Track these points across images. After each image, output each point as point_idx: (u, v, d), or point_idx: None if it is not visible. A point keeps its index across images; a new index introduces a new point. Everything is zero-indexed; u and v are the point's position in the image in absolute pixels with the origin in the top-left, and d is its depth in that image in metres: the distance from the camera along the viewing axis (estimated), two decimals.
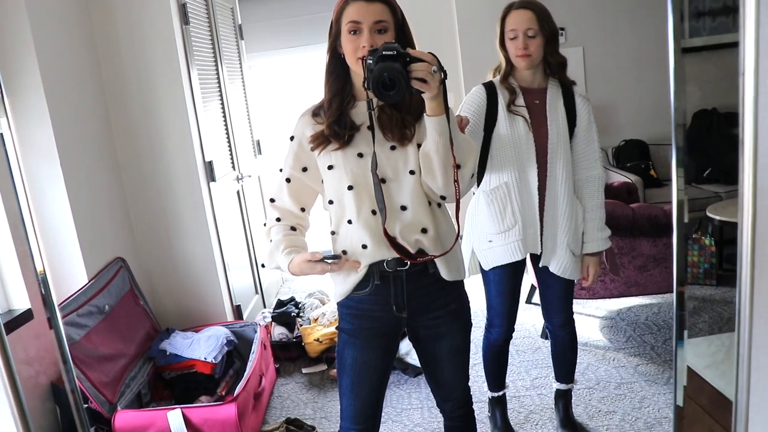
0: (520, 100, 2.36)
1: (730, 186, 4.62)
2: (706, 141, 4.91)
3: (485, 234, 2.43)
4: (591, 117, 2.40)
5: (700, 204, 4.46)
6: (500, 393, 2.80)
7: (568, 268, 2.42)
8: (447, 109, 1.64)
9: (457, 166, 1.68)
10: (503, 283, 2.49)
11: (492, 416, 2.85)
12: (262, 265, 1.90)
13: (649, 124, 5.47)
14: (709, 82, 4.30)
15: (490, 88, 2.41)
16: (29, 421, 1.09)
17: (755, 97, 1.03)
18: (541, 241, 2.41)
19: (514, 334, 2.66)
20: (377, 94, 1.55)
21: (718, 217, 3.91)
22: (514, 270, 2.47)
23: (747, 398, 1.08)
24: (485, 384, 2.80)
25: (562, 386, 2.81)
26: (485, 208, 2.42)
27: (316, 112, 1.83)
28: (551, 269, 2.44)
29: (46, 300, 1.15)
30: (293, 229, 1.87)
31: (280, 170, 1.89)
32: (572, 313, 2.65)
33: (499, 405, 2.82)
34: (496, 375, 2.75)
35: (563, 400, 2.84)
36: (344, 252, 1.80)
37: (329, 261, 1.71)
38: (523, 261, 2.47)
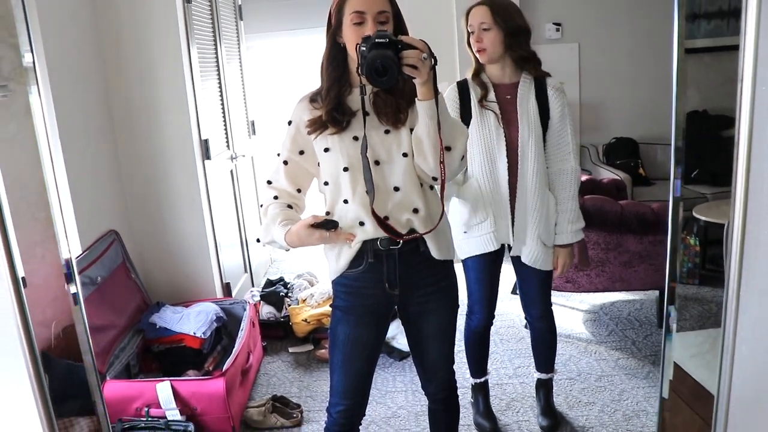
0: (492, 96, 2.41)
1: (717, 188, 4.69)
2: (696, 142, 4.98)
3: (460, 224, 2.50)
4: (565, 109, 2.43)
5: (687, 204, 4.52)
6: (482, 379, 2.86)
7: (539, 258, 2.47)
8: (437, 94, 1.70)
9: (447, 149, 1.74)
10: (480, 271, 2.55)
11: (474, 402, 2.91)
12: (257, 240, 1.94)
13: (640, 123, 5.53)
14: (700, 84, 4.35)
15: (461, 85, 2.47)
16: (45, 388, 1.13)
17: (752, 101, 1.07)
18: (513, 232, 2.46)
19: (497, 323, 2.71)
20: (370, 80, 1.62)
21: (703, 218, 3.97)
22: (491, 259, 2.53)
23: (729, 391, 1.14)
24: (469, 371, 2.86)
25: (543, 376, 2.87)
26: (458, 201, 2.49)
27: (313, 98, 1.89)
28: (522, 259, 2.50)
29: (71, 275, 1.19)
30: (289, 207, 1.92)
31: (278, 154, 1.94)
32: (550, 305, 2.71)
33: (481, 391, 2.88)
34: (478, 361, 2.82)
35: (544, 389, 2.91)
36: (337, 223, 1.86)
37: (326, 227, 1.74)
38: (500, 251, 2.52)
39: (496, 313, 2.73)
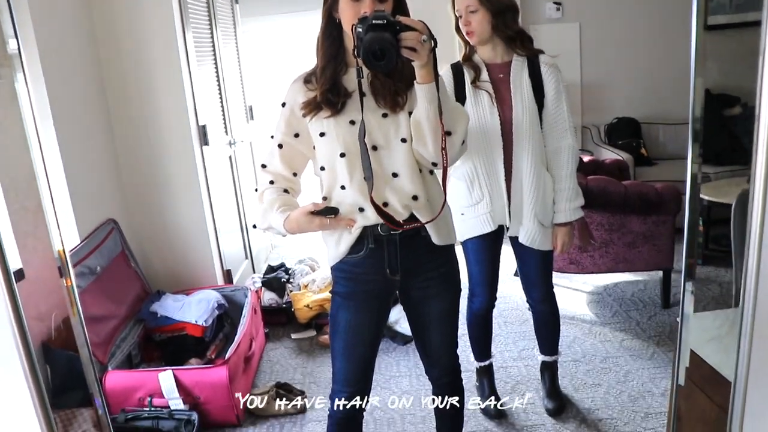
0: (485, 75, 2.39)
1: (721, 167, 4.65)
2: (704, 122, 4.92)
3: (457, 207, 2.47)
4: (560, 86, 2.41)
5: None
6: (486, 362, 2.84)
7: (537, 238, 2.45)
8: (437, 77, 1.65)
9: (447, 133, 1.70)
10: (480, 252, 2.53)
11: (480, 386, 2.89)
12: (254, 226, 1.91)
13: (642, 103, 5.48)
14: (715, 62, 4.30)
15: (456, 67, 2.45)
16: (40, 381, 1.10)
17: None
18: (510, 212, 2.44)
19: (501, 306, 2.70)
20: (368, 64, 1.56)
21: (707, 198, 3.94)
22: (490, 240, 2.51)
23: (746, 375, 1.11)
24: (473, 354, 2.84)
25: (547, 358, 2.86)
26: (455, 182, 2.46)
27: (308, 79, 1.83)
28: (520, 240, 2.47)
29: (63, 267, 1.15)
30: (286, 191, 1.87)
31: (272, 137, 1.89)
32: (552, 287, 2.68)
33: (486, 374, 2.86)
34: (481, 344, 2.80)
35: (549, 371, 2.89)
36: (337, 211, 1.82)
37: (326, 214, 1.71)
38: (499, 232, 2.50)
39: (498, 295, 2.71)
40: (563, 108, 2.41)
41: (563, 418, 2.77)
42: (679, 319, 1.28)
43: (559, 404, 2.83)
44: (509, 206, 2.44)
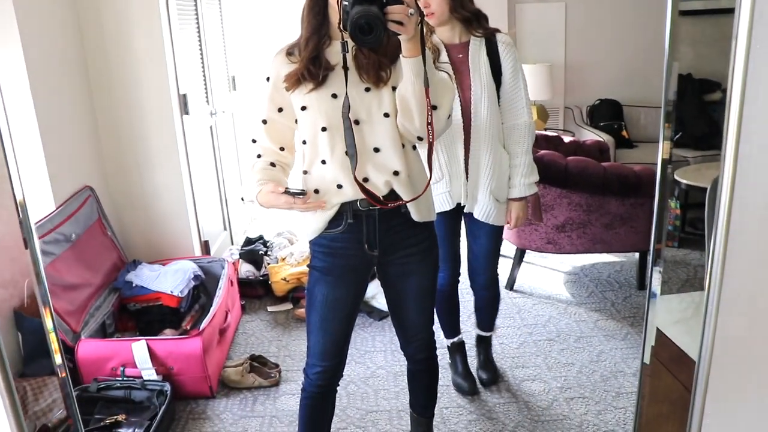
0: (444, 57, 2.40)
1: (699, 151, 4.68)
2: (680, 106, 4.95)
3: None
4: (517, 64, 2.43)
5: (670, 168, 4.50)
6: (456, 339, 2.88)
7: (492, 213, 2.48)
8: (423, 51, 1.64)
9: (433, 107, 1.69)
10: (440, 229, 2.56)
11: (452, 363, 2.91)
12: (242, 199, 1.92)
13: (625, 85, 5.49)
14: (687, 47, 4.31)
15: None
16: (2, 349, 1.09)
17: (746, 60, 1.04)
18: (467, 190, 2.47)
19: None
20: (355, 39, 1.54)
21: (685, 181, 3.97)
22: (450, 217, 2.55)
23: (710, 356, 1.12)
24: (442, 332, 2.87)
25: (484, 333, 2.94)
26: None
27: (290, 51, 1.81)
28: (475, 215, 2.51)
29: (23, 222, 1.13)
30: (272, 165, 1.87)
31: (257, 112, 1.88)
32: (497, 273, 2.74)
33: (457, 351, 2.89)
34: (449, 321, 2.85)
35: (483, 344, 2.97)
36: (316, 191, 1.81)
37: (293, 193, 1.71)
38: (458, 210, 2.54)
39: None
40: (520, 86, 2.44)
41: (534, 395, 2.80)
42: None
43: (493, 375, 2.91)
44: (466, 184, 2.47)
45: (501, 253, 2.70)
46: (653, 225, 1.34)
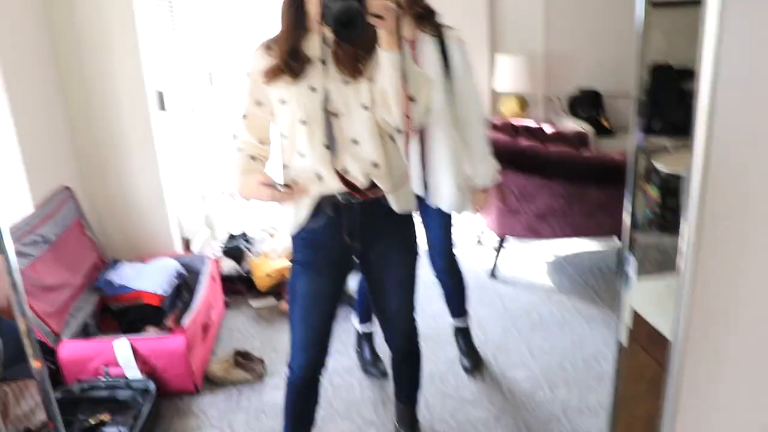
0: None
1: (678, 139, 4.71)
2: (660, 95, 4.98)
3: None
4: (466, 57, 2.46)
5: (649, 155, 4.54)
6: (367, 326, 2.97)
7: (453, 203, 2.52)
8: (401, 43, 1.64)
9: (411, 99, 1.69)
10: None
11: (360, 351, 3.02)
12: (223, 192, 1.93)
13: (606, 75, 5.50)
14: (665, 37, 4.34)
15: None
16: None
17: (716, 50, 1.05)
18: (426, 182, 2.51)
19: None
20: (336, 33, 1.56)
21: (664, 168, 4.00)
22: None
23: (685, 337, 1.13)
24: (433, 319, 2.89)
25: (458, 321, 2.98)
26: None
27: (269, 45, 1.82)
28: (437, 205, 2.54)
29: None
30: (253, 158, 1.89)
31: (238, 106, 1.89)
32: (454, 258, 2.79)
33: (365, 340, 3.00)
34: (367, 306, 2.92)
35: (462, 333, 3.01)
36: (295, 183, 1.82)
37: (280, 187, 1.72)
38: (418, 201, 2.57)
39: (462, 263, 2.76)
40: (470, 79, 2.47)
41: (518, 382, 2.82)
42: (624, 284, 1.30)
43: (476, 361, 2.95)
44: (425, 176, 2.51)
45: (482, 242, 2.73)
46: (625, 211, 1.36)
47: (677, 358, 1.16)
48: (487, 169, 2.54)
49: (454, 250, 2.78)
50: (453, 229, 2.73)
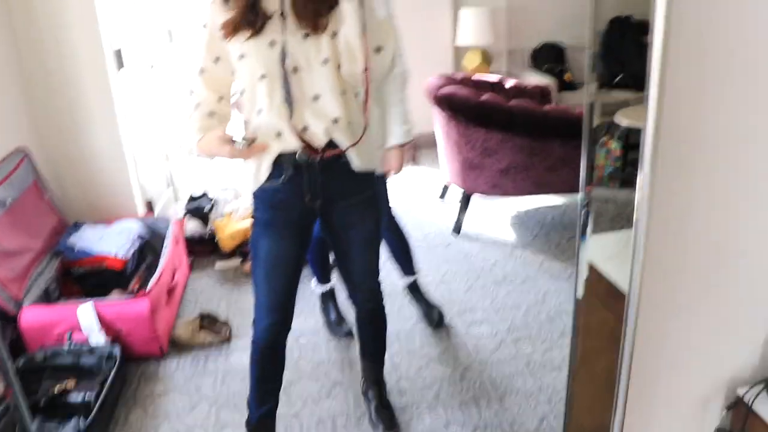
0: None
1: (639, 92, 4.74)
2: (620, 48, 5.00)
3: None
4: (389, 16, 2.43)
5: (610, 109, 4.57)
6: (330, 285, 3.01)
7: (371, 160, 2.52)
8: None
9: (377, 50, 1.68)
10: None
11: (325, 309, 3.05)
12: (179, 149, 1.89)
13: (568, 27, 5.49)
14: None
15: None
16: None
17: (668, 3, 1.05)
18: None
19: (425, 230, 2.75)
20: None
21: (625, 122, 4.03)
22: None
23: (639, 290, 1.16)
24: (400, 279, 2.91)
25: (408, 278, 3.03)
26: None
27: None
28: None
29: None
30: (211, 114, 1.85)
31: (194, 61, 1.83)
32: (391, 211, 2.81)
33: (330, 298, 3.04)
34: (324, 266, 2.95)
35: (415, 290, 3.07)
36: (254, 140, 1.79)
37: (239, 143, 1.70)
38: None
39: (424, 220, 2.76)
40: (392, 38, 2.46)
41: (482, 338, 2.86)
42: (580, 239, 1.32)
43: (438, 317, 2.99)
44: None
45: (447, 199, 2.72)
46: (581, 167, 1.37)
47: (633, 312, 1.18)
48: (405, 128, 2.53)
49: (391, 206, 2.80)
50: (387, 186, 2.72)
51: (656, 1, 1.00)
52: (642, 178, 1.10)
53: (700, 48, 1.09)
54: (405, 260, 2.98)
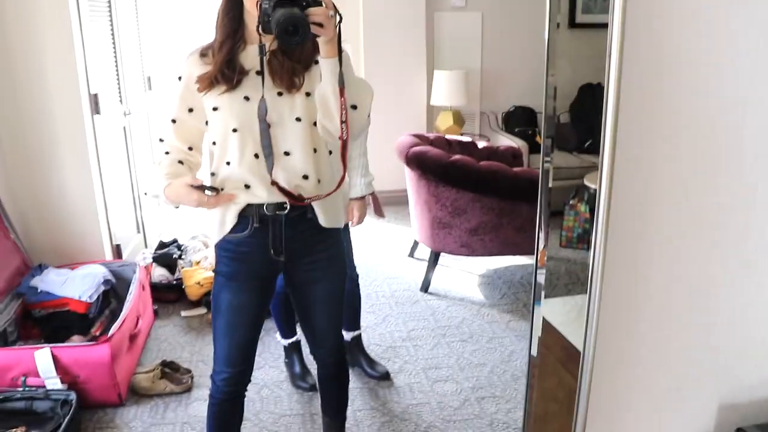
0: None
1: None
2: (590, 114, 5.11)
3: None
4: (349, 62, 2.51)
5: (580, 172, 4.65)
6: (294, 339, 2.99)
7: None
8: (340, 52, 1.65)
9: (353, 107, 1.71)
10: None
11: (289, 362, 3.02)
12: (145, 194, 1.89)
13: (540, 93, 5.61)
14: (595, 57, 4.49)
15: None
16: None
17: (618, 74, 1.11)
18: None
19: (394, 287, 2.75)
20: (281, 40, 1.57)
21: (593, 186, 4.12)
22: None
23: (593, 351, 1.18)
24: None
25: (354, 333, 3.02)
26: None
27: (204, 53, 1.81)
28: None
29: None
30: (180, 162, 1.85)
31: (166, 110, 1.85)
32: (354, 273, 2.85)
33: (294, 351, 3.01)
34: (288, 320, 2.94)
35: (357, 345, 3.05)
36: (221, 191, 1.81)
37: (206, 188, 1.71)
38: None
39: (391, 276, 2.77)
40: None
41: (447, 395, 2.85)
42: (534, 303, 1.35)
43: (383, 369, 3.01)
44: None
45: (416, 256, 2.74)
46: (536, 231, 1.42)
47: (588, 371, 1.20)
48: (366, 180, 2.65)
49: (353, 259, 2.84)
50: (350, 238, 2.77)
51: (609, 74, 1.05)
52: (595, 241, 1.13)
53: (648, 110, 1.14)
54: (351, 315, 2.97)
